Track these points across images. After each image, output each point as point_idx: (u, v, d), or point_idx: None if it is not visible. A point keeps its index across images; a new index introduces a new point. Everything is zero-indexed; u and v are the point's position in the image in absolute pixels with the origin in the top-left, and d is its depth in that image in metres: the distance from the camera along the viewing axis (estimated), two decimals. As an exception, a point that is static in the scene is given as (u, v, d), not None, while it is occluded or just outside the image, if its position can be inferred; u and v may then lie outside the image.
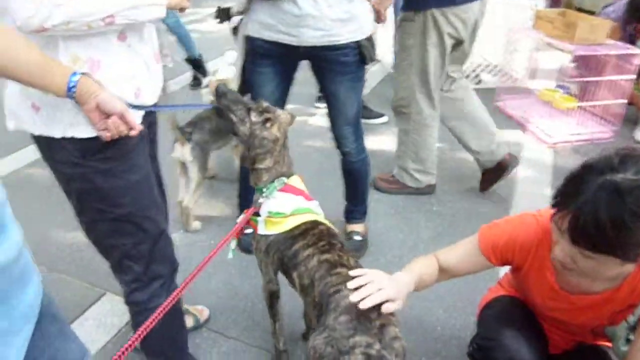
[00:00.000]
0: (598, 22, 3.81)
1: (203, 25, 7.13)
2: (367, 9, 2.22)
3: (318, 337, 1.31)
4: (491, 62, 5.09)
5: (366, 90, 2.90)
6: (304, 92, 4.26)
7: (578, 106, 4.05)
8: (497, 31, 4.77)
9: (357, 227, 2.74)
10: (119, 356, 0.92)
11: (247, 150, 1.71)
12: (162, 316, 1.66)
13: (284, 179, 1.69)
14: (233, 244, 1.74)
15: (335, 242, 1.59)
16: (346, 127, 2.43)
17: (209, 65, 5.06)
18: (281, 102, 2.35)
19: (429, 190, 3.23)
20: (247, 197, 2.18)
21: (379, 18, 2.59)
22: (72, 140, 1.34)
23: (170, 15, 4.46)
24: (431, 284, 1.59)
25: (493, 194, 3.25)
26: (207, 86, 3.17)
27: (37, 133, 1.35)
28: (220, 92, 1.66)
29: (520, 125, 4.22)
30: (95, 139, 1.34)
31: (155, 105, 1.50)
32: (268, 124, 1.66)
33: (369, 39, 2.23)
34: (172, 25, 4.63)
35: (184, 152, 2.73)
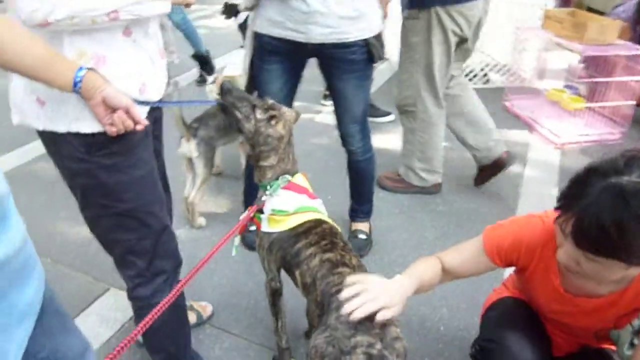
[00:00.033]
0: (608, 23, 3.77)
1: (211, 22, 7.14)
2: (376, 6, 2.21)
3: (319, 337, 1.31)
4: (499, 61, 5.07)
5: (373, 88, 2.90)
6: (310, 90, 4.27)
7: (586, 107, 4.02)
8: (505, 30, 4.75)
9: (362, 226, 2.74)
10: (121, 348, 0.92)
11: (251, 147, 1.71)
12: (163, 312, 1.68)
13: (288, 177, 1.69)
14: (236, 240, 1.74)
15: (337, 241, 1.58)
16: (353, 125, 2.42)
17: (217, 62, 5.07)
18: (289, 99, 2.34)
19: (435, 189, 3.22)
20: (252, 194, 2.18)
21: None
22: (77, 135, 1.34)
23: (176, 12, 4.47)
24: (434, 286, 1.58)
25: (499, 195, 3.23)
26: (213, 82, 3.16)
27: (41, 128, 1.35)
28: (225, 89, 1.65)
29: (527, 126, 4.19)
30: (100, 134, 1.34)
31: (160, 100, 1.50)
32: (273, 122, 1.66)
33: (378, 37, 2.22)
34: (179, 22, 4.63)
35: (190, 148, 2.74)
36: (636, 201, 1.12)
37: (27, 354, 0.95)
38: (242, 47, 5.77)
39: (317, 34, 2.09)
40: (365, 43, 2.18)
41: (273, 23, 2.14)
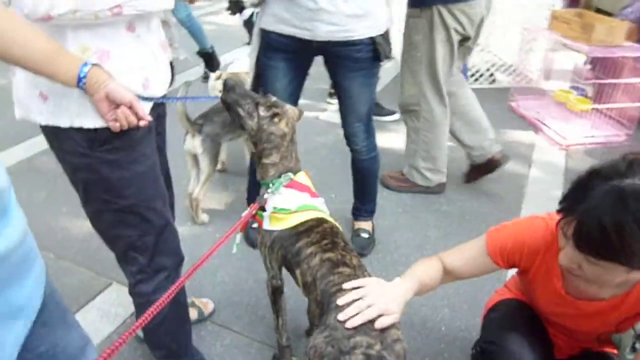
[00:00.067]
0: (616, 24, 3.75)
1: (218, 18, 7.14)
2: (383, 5, 2.20)
3: (318, 336, 1.30)
4: (506, 61, 5.05)
5: (379, 87, 2.88)
6: (316, 88, 4.27)
7: (593, 108, 4.00)
8: (512, 30, 4.73)
9: (365, 225, 2.73)
10: (119, 344, 0.91)
11: (254, 145, 1.70)
12: (163, 307, 1.68)
13: (291, 175, 1.68)
14: (238, 238, 1.73)
15: (338, 240, 1.58)
16: (357, 124, 2.42)
17: (223, 58, 5.07)
18: (294, 97, 2.34)
19: (439, 189, 3.21)
20: (255, 191, 2.17)
21: None
22: (80, 130, 1.34)
23: (181, 9, 4.47)
24: (434, 287, 1.57)
25: (503, 195, 3.22)
26: (219, 78, 3.16)
27: (44, 122, 1.35)
28: (228, 86, 1.65)
29: (533, 126, 4.18)
30: (103, 129, 1.34)
31: (164, 96, 1.50)
32: (276, 119, 1.65)
33: (385, 36, 2.21)
34: (184, 19, 4.61)
35: (195, 144, 2.74)
36: (637, 204, 1.11)
37: (26, 348, 0.95)
38: (247, 44, 5.77)
39: (323, 32, 2.09)
40: (372, 41, 2.17)
41: (280, 20, 2.13)
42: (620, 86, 3.90)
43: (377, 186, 2.71)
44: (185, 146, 2.77)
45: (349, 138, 2.49)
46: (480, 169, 3.22)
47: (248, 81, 3.09)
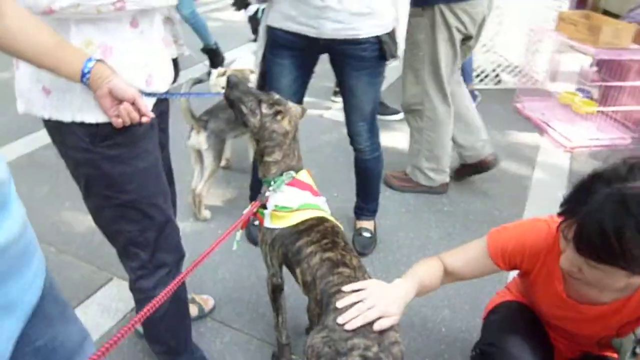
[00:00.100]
0: (623, 26, 3.73)
1: (224, 14, 7.14)
2: (389, 4, 2.19)
3: (316, 337, 1.30)
4: (512, 62, 5.03)
5: (384, 86, 2.89)
6: (321, 85, 4.26)
7: (598, 111, 3.99)
8: (519, 31, 4.71)
9: (367, 224, 2.72)
10: (118, 338, 0.91)
11: (256, 142, 1.70)
12: (165, 303, 1.68)
13: (292, 173, 1.68)
14: (238, 235, 1.73)
15: (339, 240, 1.57)
16: (361, 123, 2.41)
17: (229, 55, 5.07)
18: (299, 95, 2.34)
19: (442, 189, 3.20)
20: (258, 188, 2.16)
21: None
22: (82, 125, 1.34)
23: (185, 5, 4.46)
24: (435, 287, 1.56)
25: (507, 197, 3.21)
26: (223, 74, 3.16)
27: (47, 117, 1.35)
28: (232, 83, 1.64)
29: (538, 128, 4.16)
30: (105, 124, 1.34)
31: (167, 92, 1.50)
32: (279, 117, 1.65)
33: (391, 35, 2.20)
34: (188, 16, 4.60)
35: (200, 140, 2.74)
36: (638, 209, 1.11)
37: (24, 341, 0.95)
38: (253, 40, 5.76)
39: (329, 29, 2.08)
40: (378, 40, 2.16)
41: (286, 17, 2.13)
42: (626, 89, 3.88)
43: (380, 186, 2.71)
44: (189, 142, 2.77)
45: (352, 137, 2.48)
46: (470, 169, 3.24)
47: (252, 78, 3.09)
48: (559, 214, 1.27)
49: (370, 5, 2.07)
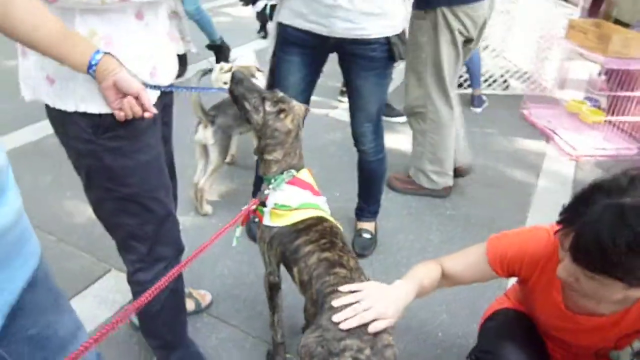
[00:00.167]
0: (632, 36, 3.71)
1: (234, 10, 7.14)
2: (400, 5, 2.18)
3: (310, 336, 1.30)
4: (521, 68, 5.01)
5: (390, 87, 2.87)
6: (328, 85, 4.25)
7: (605, 120, 3.96)
8: (529, 37, 4.70)
9: (367, 225, 2.72)
10: (107, 330, 0.91)
11: (258, 139, 1.70)
12: (161, 296, 1.67)
13: (293, 172, 1.67)
14: (238, 232, 1.73)
15: (337, 241, 1.57)
16: (367, 124, 2.40)
17: (237, 51, 5.06)
18: (306, 93, 2.33)
19: (445, 192, 3.19)
20: (261, 186, 2.18)
21: None
22: (84, 115, 1.33)
23: (190, 1, 4.46)
24: (432, 290, 1.56)
25: (510, 203, 3.20)
26: (228, 71, 3.15)
27: (51, 105, 1.35)
28: (237, 79, 1.64)
29: (544, 135, 4.14)
30: (107, 115, 1.33)
31: (171, 85, 1.50)
32: (282, 115, 1.64)
33: (400, 36, 2.19)
34: (192, 12, 4.59)
35: (207, 135, 2.74)
36: (636, 221, 1.09)
37: (16, 329, 0.95)
38: (263, 37, 5.75)
39: (339, 28, 2.07)
40: (387, 41, 2.15)
41: (297, 14, 2.12)
42: (634, 99, 3.85)
43: (382, 188, 2.70)
44: (196, 136, 2.78)
45: (357, 138, 2.47)
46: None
47: (258, 75, 3.09)
48: (558, 222, 1.26)
49: (382, 5, 2.07)
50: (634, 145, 3.96)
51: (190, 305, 2.14)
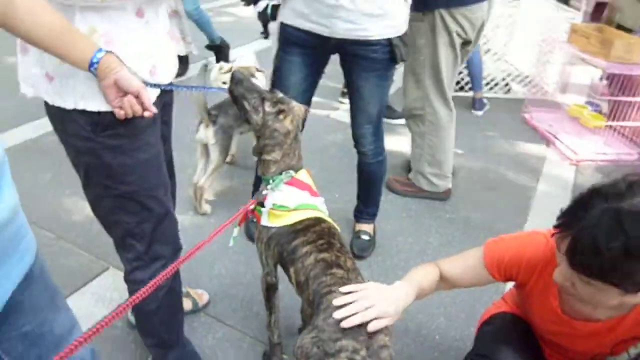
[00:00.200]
0: (635, 41, 3.70)
1: (234, 10, 7.14)
2: (403, 6, 2.17)
3: (306, 337, 1.30)
4: (522, 71, 5.01)
5: (392, 89, 2.86)
6: (329, 86, 4.25)
7: (606, 125, 3.96)
8: (531, 41, 4.69)
9: (366, 227, 2.71)
10: (102, 326, 0.90)
11: (257, 139, 1.70)
12: (159, 296, 1.67)
13: (292, 172, 1.67)
14: (235, 232, 1.73)
15: (334, 241, 1.57)
16: (367, 125, 2.40)
17: (238, 51, 5.06)
18: (308, 94, 2.33)
19: (445, 195, 3.18)
20: (260, 186, 2.18)
21: None
22: (84, 112, 1.33)
23: (190, 1, 4.46)
24: (431, 292, 1.56)
25: (509, 206, 3.19)
26: (228, 71, 3.15)
27: (50, 102, 1.35)
28: (236, 79, 1.64)
29: (545, 139, 4.14)
30: (107, 113, 1.33)
31: (171, 84, 1.49)
32: (281, 116, 1.64)
33: (402, 38, 2.19)
34: (192, 12, 4.59)
35: (208, 134, 2.74)
36: (633, 227, 1.09)
37: (11, 326, 0.95)
38: (265, 38, 5.75)
39: (341, 29, 2.07)
40: (389, 42, 2.15)
41: (298, 14, 2.12)
42: (635, 104, 3.85)
43: (381, 190, 2.69)
44: (197, 135, 2.78)
45: (357, 140, 2.47)
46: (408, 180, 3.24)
47: (257, 75, 3.09)
48: (555, 226, 1.26)
49: (384, 6, 2.06)
50: (635, 150, 3.95)
51: (187, 304, 2.14)
